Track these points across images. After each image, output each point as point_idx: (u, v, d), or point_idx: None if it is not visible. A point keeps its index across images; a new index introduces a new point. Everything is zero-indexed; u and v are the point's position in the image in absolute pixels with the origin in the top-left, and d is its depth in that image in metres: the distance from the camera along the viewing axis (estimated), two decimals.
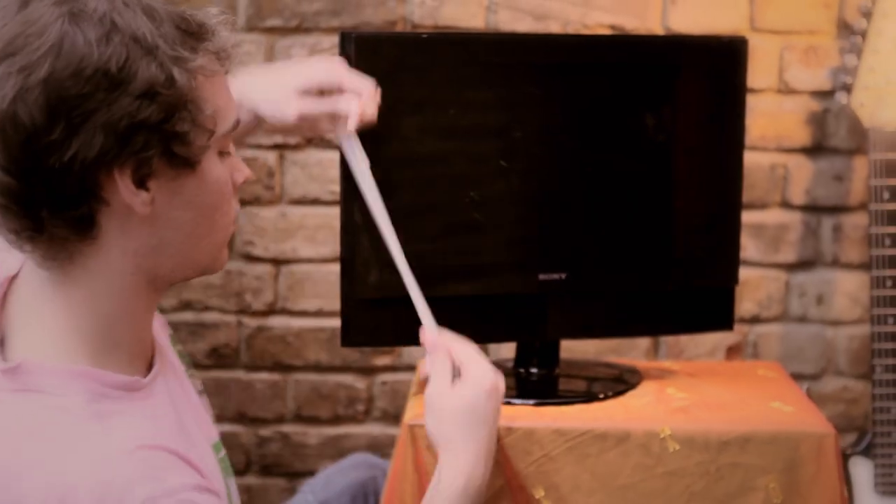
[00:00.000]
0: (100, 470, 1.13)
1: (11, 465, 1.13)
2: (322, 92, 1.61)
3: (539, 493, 1.81)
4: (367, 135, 1.63)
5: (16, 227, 1.17)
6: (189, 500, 1.15)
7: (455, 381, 1.49)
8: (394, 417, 2.46)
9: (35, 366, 1.18)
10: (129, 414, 1.19)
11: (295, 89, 1.62)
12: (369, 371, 2.50)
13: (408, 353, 2.46)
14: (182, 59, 1.16)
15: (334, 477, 2.04)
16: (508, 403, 1.85)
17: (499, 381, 1.50)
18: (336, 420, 2.50)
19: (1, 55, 1.13)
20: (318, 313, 2.46)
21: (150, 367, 1.29)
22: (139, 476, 1.15)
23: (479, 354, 1.52)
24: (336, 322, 2.24)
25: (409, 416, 1.84)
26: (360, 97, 1.59)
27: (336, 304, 2.25)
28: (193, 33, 1.20)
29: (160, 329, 1.40)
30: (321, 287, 2.45)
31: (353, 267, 1.81)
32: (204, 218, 1.25)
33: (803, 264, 2.46)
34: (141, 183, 1.17)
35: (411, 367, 2.42)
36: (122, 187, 1.16)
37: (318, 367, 2.48)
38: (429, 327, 1.60)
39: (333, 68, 1.63)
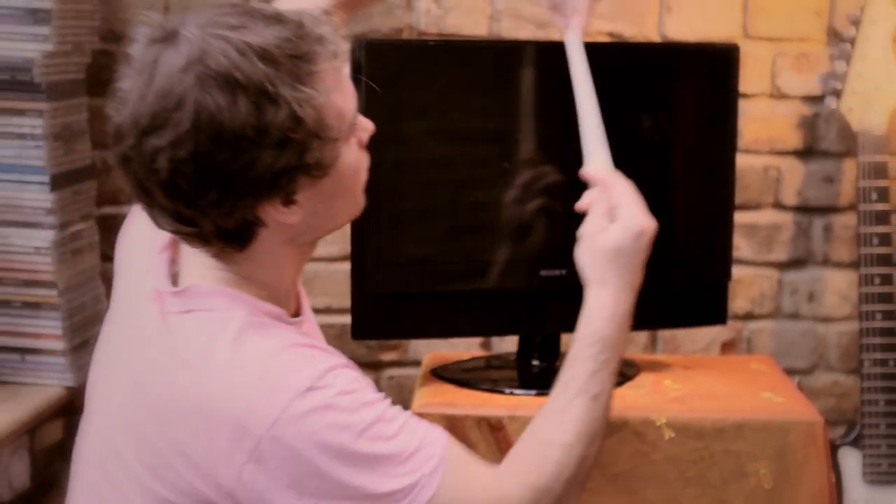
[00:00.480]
0: (269, 366, 1.31)
1: (192, 380, 1.30)
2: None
3: None
4: (376, 138, 1.71)
5: (189, 242, 1.37)
6: (343, 373, 1.32)
7: (610, 221, 1.55)
8: None
9: (201, 289, 1.35)
10: (284, 329, 1.38)
11: None
12: (376, 366, 2.54)
13: (413, 348, 2.50)
14: (306, 97, 1.27)
15: None
16: (511, 394, 1.93)
17: (647, 226, 1.55)
18: None
19: (149, 128, 1.25)
20: (327, 310, 2.48)
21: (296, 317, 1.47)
22: (299, 365, 1.32)
23: (634, 197, 1.57)
24: (344, 318, 2.28)
25: (416, 405, 1.89)
26: (578, 12, 1.74)
27: (344, 301, 2.29)
28: (307, 56, 1.29)
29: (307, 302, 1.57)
30: (329, 285, 2.48)
31: (362, 263, 1.87)
32: (345, 195, 1.41)
33: (795, 263, 2.50)
34: (288, 202, 1.33)
35: (417, 363, 2.44)
36: (273, 211, 1.33)
37: None
38: (598, 161, 1.63)
39: None
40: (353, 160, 1.39)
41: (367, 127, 1.43)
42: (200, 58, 1.25)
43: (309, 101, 1.28)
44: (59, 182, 2.08)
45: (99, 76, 2.27)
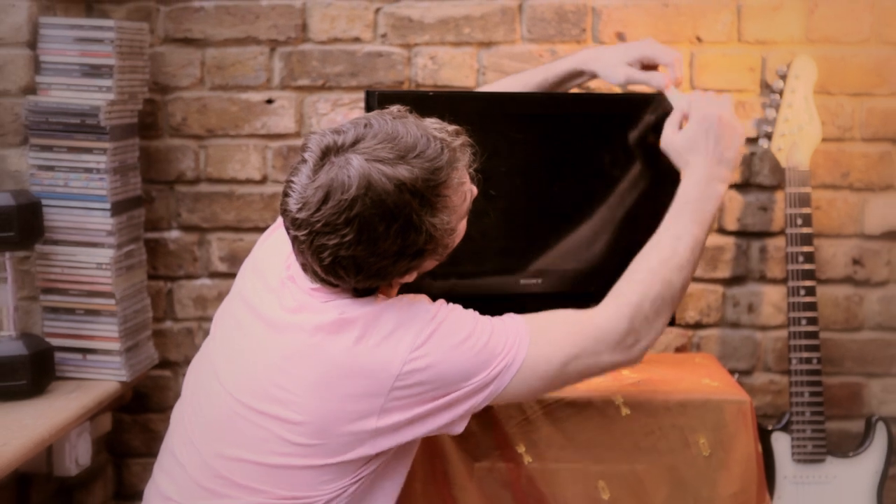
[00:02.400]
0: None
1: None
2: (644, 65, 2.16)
3: (521, 449, 2.11)
4: None
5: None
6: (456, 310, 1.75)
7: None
8: None
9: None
10: None
11: (623, 60, 2.16)
12: None
13: None
14: (440, 222, 1.66)
15: None
16: None
17: (712, 112, 1.96)
18: None
19: (321, 231, 1.61)
20: None
21: None
22: (431, 306, 1.72)
23: (700, 98, 2.00)
24: None
25: None
26: (672, 67, 2.12)
27: None
28: (442, 185, 1.66)
29: None
30: None
31: None
32: (447, 252, 1.76)
33: (736, 279, 2.67)
34: (409, 275, 1.74)
35: None
36: (399, 280, 1.74)
37: None
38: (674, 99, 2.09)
39: (650, 45, 2.16)
40: (462, 230, 1.77)
41: (473, 192, 1.76)
42: (367, 190, 1.59)
43: (442, 223, 1.66)
44: (117, 209, 2.32)
45: (145, 121, 2.55)
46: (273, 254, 1.85)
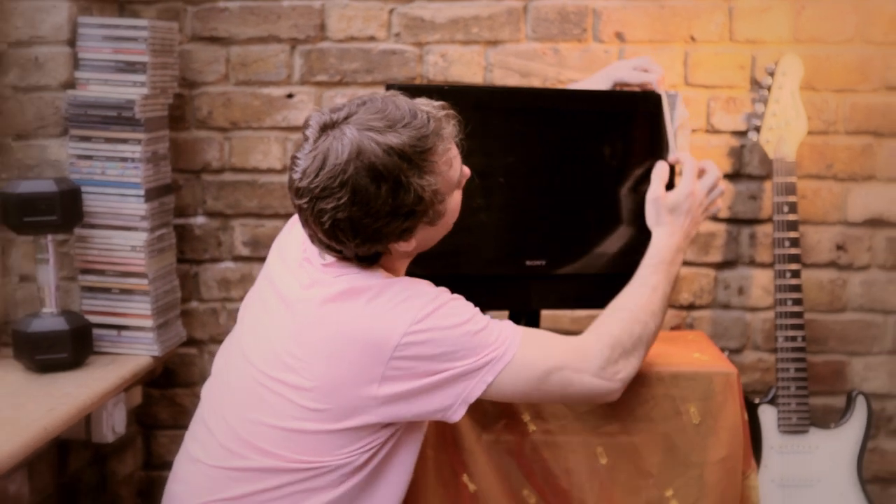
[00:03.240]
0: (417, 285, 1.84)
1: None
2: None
3: (526, 418, 2.24)
4: None
5: (336, 259, 1.86)
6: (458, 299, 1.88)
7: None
8: None
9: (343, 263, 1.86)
10: None
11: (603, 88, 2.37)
12: None
13: None
14: (427, 183, 1.78)
15: None
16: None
17: (695, 190, 2.18)
18: None
19: (319, 196, 1.75)
20: None
21: None
22: (434, 289, 1.86)
23: (692, 174, 2.20)
24: None
25: None
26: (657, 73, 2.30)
27: None
28: (429, 151, 1.79)
29: None
30: None
31: None
32: (445, 226, 1.90)
33: (727, 263, 2.78)
34: (407, 239, 1.83)
35: None
36: (396, 245, 1.85)
37: None
38: (671, 153, 2.27)
39: (622, 68, 2.35)
40: (455, 204, 1.90)
41: (466, 174, 1.90)
42: (358, 155, 1.73)
43: (429, 185, 1.78)
44: (150, 195, 2.46)
45: (174, 114, 2.69)
46: (292, 240, 2.00)
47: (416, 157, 1.77)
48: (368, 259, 1.86)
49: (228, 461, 1.87)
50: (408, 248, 1.87)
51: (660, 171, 2.22)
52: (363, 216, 1.76)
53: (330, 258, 1.88)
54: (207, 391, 1.99)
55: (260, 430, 1.85)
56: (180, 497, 1.91)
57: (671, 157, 2.25)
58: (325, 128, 1.78)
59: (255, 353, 1.88)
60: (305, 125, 1.81)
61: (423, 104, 1.83)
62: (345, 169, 1.73)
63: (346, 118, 1.78)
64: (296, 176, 1.79)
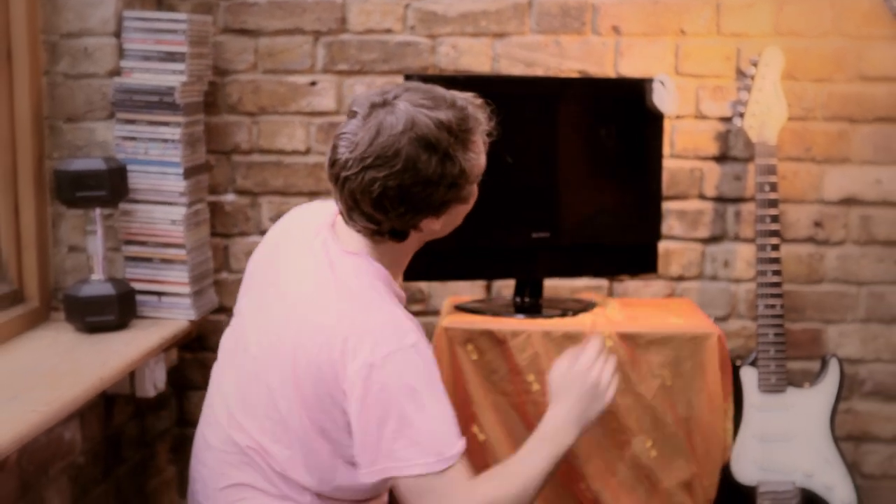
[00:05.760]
0: (395, 316, 1.87)
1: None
2: None
3: (530, 378, 2.43)
4: None
5: (364, 234, 1.91)
6: (428, 349, 1.87)
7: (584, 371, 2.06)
8: None
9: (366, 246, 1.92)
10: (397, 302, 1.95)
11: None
12: None
13: (434, 300, 2.95)
14: (468, 158, 1.86)
15: None
16: (510, 317, 2.46)
17: (601, 387, 2.04)
18: None
19: (371, 165, 1.81)
20: None
21: None
22: (412, 326, 1.86)
23: (598, 369, 2.06)
24: None
25: (444, 323, 2.43)
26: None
27: None
28: (471, 129, 1.87)
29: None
30: None
31: None
32: (463, 213, 1.98)
33: (714, 238, 2.93)
34: (438, 218, 1.92)
35: (437, 311, 2.91)
36: (428, 223, 1.91)
37: None
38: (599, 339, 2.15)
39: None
40: (476, 192, 1.98)
41: (482, 166, 1.96)
42: (412, 126, 1.80)
43: (470, 160, 1.87)
44: (188, 173, 2.64)
45: (207, 100, 2.87)
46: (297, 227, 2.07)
47: (461, 133, 1.84)
48: (400, 235, 1.92)
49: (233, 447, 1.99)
50: (436, 227, 1.92)
51: (573, 351, 2.11)
52: (413, 184, 1.81)
53: (354, 242, 1.93)
54: (215, 375, 2.09)
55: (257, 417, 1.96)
56: (204, 480, 2.04)
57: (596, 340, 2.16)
58: (376, 105, 1.84)
59: (255, 342, 1.98)
60: (353, 105, 1.88)
61: (459, 94, 1.91)
62: (399, 139, 1.79)
63: (395, 97, 1.85)
64: (343, 150, 1.83)
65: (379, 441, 1.83)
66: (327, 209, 2.03)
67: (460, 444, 1.86)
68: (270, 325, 1.96)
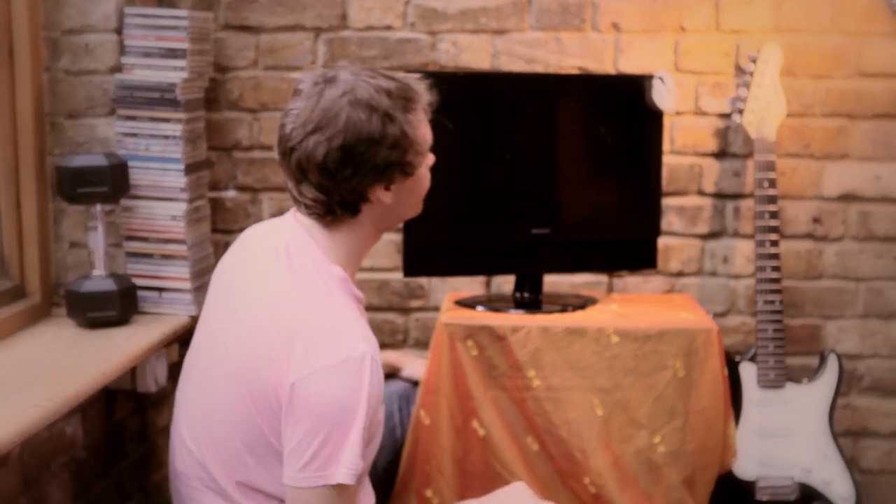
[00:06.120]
0: (348, 322, 1.85)
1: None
2: None
3: (531, 373, 2.42)
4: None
5: (317, 212, 1.92)
6: (378, 362, 1.85)
7: None
8: (424, 344, 2.93)
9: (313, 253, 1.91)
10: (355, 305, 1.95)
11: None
12: (406, 310, 2.97)
13: (433, 296, 2.96)
14: (409, 120, 1.89)
15: (387, 383, 2.41)
16: (509, 313, 2.46)
17: None
18: (382, 346, 2.87)
19: (314, 129, 1.84)
20: (371, 269, 2.95)
21: None
22: (364, 334, 1.85)
23: None
24: (385, 275, 2.87)
25: (444, 318, 2.42)
26: None
27: (385, 262, 2.87)
28: (412, 98, 1.90)
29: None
30: (373, 250, 2.63)
31: (411, 223, 2.35)
32: (416, 195, 2.00)
33: (713, 234, 2.93)
34: (388, 188, 1.92)
35: (436, 308, 2.93)
36: (378, 193, 1.91)
37: (370, 308, 2.90)
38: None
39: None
40: (425, 173, 1.99)
41: (432, 160, 2.01)
42: (352, 90, 1.85)
43: (411, 122, 1.89)
44: (189, 170, 2.63)
45: (208, 96, 2.86)
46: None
47: (400, 99, 1.88)
48: (351, 207, 1.91)
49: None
50: (386, 199, 1.91)
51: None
52: (356, 142, 1.84)
53: (310, 247, 1.92)
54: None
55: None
56: (181, 478, 2.03)
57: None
58: (319, 83, 1.88)
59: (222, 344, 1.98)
60: (298, 83, 1.92)
61: (399, 73, 1.97)
62: (339, 102, 1.84)
63: (336, 73, 1.91)
64: (290, 123, 1.87)
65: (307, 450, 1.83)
66: (286, 221, 2.03)
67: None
68: (222, 328, 1.97)
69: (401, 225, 2.43)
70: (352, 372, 1.80)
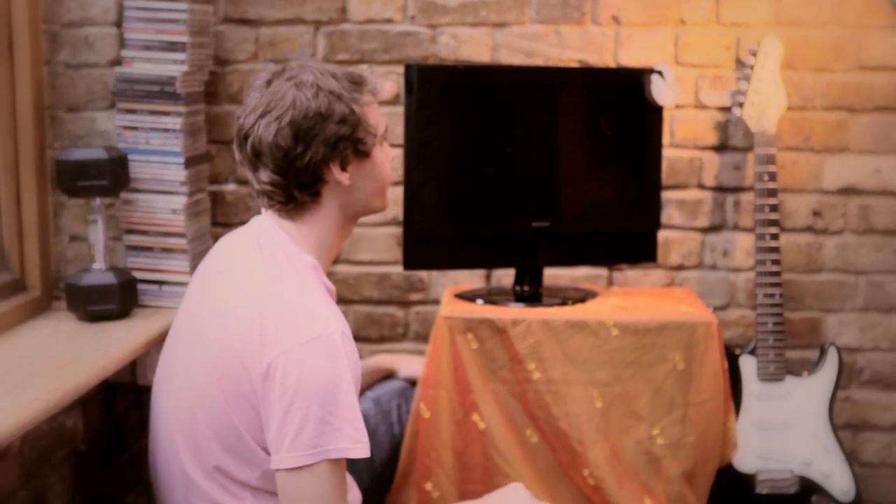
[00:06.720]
0: (317, 301, 1.89)
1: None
2: None
3: (531, 366, 2.43)
4: (425, 127, 2.25)
5: (278, 200, 1.96)
6: (350, 339, 1.88)
7: None
8: (424, 337, 2.95)
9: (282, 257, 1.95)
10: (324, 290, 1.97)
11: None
12: (406, 303, 2.98)
13: (433, 290, 2.96)
14: (356, 98, 1.95)
15: (385, 382, 2.56)
16: (509, 306, 2.48)
17: None
18: (382, 339, 2.99)
19: (263, 112, 1.91)
20: (371, 262, 2.96)
21: None
22: (335, 315, 1.89)
23: None
24: (385, 268, 2.88)
25: (444, 311, 2.44)
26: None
27: (384, 256, 2.88)
28: (358, 82, 1.96)
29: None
30: (373, 244, 2.94)
31: (411, 216, 2.45)
32: (377, 180, 2.02)
33: (713, 228, 2.93)
34: (343, 168, 1.95)
35: (436, 301, 2.93)
36: (334, 172, 1.95)
37: (370, 301, 2.98)
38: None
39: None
40: (382, 158, 2.03)
41: (390, 152, 2.04)
42: (298, 75, 1.93)
43: (358, 101, 1.95)
44: (189, 163, 2.64)
45: (208, 90, 2.86)
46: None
47: (347, 81, 1.95)
48: (309, 189, 1.95)
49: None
50: (343, 179, 1.95)
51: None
52: (303, 118, 1.90)
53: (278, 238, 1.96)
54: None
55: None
56: (160, 474, 2.09)
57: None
58: (269, 76, 1.96)
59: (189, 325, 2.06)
60: (252, 82, 1.99)
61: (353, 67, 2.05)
62: (285, 85, 1.92)
63: (288, 66, 1.98)
64: (242, 115, 1.95)
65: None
66: (256, 219, 2.07)
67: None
68: (198, 316, 2.02)
69: (401, 220, 2.44)
70: (327, 346, 1.83)
